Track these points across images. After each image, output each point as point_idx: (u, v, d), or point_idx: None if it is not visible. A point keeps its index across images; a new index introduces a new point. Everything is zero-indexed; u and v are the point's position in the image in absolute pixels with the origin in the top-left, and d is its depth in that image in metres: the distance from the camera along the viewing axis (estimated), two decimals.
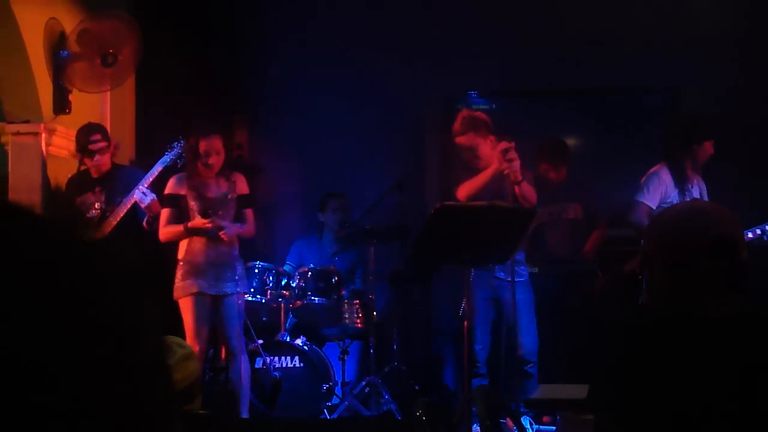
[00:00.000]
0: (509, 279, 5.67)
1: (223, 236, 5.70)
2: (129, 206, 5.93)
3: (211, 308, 5.78)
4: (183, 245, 5.84)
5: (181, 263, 5.78)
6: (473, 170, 5.81)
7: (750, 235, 5.76)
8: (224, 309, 5.77)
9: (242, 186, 5.96)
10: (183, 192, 5.82)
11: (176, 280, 5.77)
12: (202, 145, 5.76)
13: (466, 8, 7.87)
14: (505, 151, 5.54)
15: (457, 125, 5.84)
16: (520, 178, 5.55)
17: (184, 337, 5.67)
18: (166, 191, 5.88)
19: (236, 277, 5.83)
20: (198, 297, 5.70)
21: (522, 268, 5.87)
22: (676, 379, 2.24)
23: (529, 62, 7.70)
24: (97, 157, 6.08)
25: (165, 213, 5.83)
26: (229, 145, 6.00)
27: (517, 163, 5.54)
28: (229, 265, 5.80)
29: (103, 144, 6.10)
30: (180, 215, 5.81)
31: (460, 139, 5.82)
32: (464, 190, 5.70)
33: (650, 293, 2.44)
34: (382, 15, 7.93)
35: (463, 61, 7.83)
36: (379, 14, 7.94)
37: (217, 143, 5.80)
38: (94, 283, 0.68)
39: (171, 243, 5.88)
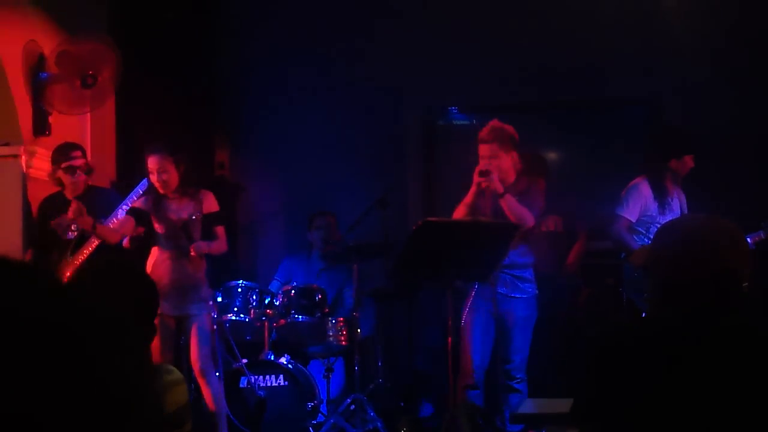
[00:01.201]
0: (512, 294, 5.68)
1: (192, 252, 5.69)
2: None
3: (176, 330, 5.77)
4: (148, 267, 5.81)
5: None
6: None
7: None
8: (190, 331, 5.74)
9: (211, 204, 5.92)
10: (148, 210, 5.84)
11: None
12: (149, 162, 5.76)
13: (444, 24, 7.90)
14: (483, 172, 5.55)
15: (484, 132, 5.78)
16: (501, 190, 5.55)
17: None
18: (133, 205, 5.85)
19: (201, 299, 5.81)
20: (161, 319, 5.56)
21: (528, 285, 5.82)
22: (663, 393, 2.24)
23: (510, 77, 7.73)
24: (78, 173, 6.05)
25: (123, 219, 5.80)
26: (210, 164, 5.98)
27: (494, 176, 5.55)
28: (194, 287, 5.78)
29: (82, 161, 6.07)
30: (146, 227, 5.82)
31: (483, 148, 5.75)
32: (457, 215, 5.69)
33: (649, 301, 2.48)
34: (362, 32, 7.96)
35: (444, 76, 7.85)
36: (358, 32, 7.96)
37: (164, 162, 5.75)
38: (64, 331, 0.68)
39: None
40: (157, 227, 5.80)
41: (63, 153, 6.06)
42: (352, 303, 6.93)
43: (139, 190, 5.83)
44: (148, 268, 5.78)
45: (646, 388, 2.26)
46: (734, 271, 2.32)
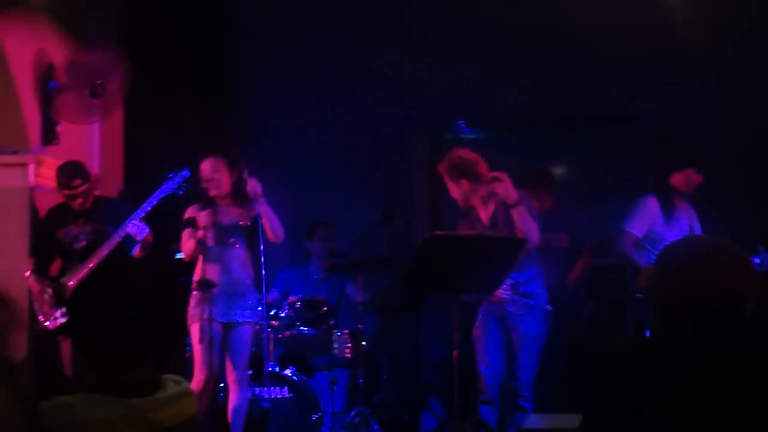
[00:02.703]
0: (520, 311, 5.65)
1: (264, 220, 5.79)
2: (121, 238, 5.93)
3: (221, 336, 5.79)
4: (198, 272, 5.86)
5: (195, 291, 5.79)
6: (467, 212, 5.79)
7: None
8: (233, 338, 5.80)
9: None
10: (198, 217, 5.87)
11: (189, 307, 5.77)
12: (202, 168, 5.86)
13: (453, 39, 7.91)
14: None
15: (439, 166, 5.78)
16: (514, 197, 5.50)
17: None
18: (186, 216, 5.93)
19: (248, 306, 5.86)
20: (208, 323, 5.68)
21: (535, 300, 5.73)
22: (669, 412, 2.24)
23: (518, 92, 7.73)
24: (79, 200, 6.09)
25: (185, 234, 5.88)
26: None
27: (508, 183, 5.50)
28: (242, 294, 5.85)
29: (84, 187, 6.08)
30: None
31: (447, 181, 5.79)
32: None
33: (653, 322, 2.47)
34: (370, 44, 7.96)
35: (452, 90, 7.86)
36: (366, 44, 7.97)
37: (217, 164, 5.87)
38: None
39: (190, 263, 5.96)
40: (207, 234, 5.82)
41: (64, 180, 6.07)
42: (364, 297, 6.84)
43: (162, 193, 5.87)
44: (197, 275, 5.83)
45: (650, 407, 2.26)
46: (735, 291, 2.32)
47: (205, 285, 5.63)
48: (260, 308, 6.11)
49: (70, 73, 6.34)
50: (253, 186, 5.79)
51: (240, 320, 5.81)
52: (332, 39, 8.05)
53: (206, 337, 5.64)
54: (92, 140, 7.01)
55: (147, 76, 6.72)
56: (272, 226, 5.86)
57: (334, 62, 8.01)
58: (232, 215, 5.90)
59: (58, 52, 6.53)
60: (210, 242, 5.83)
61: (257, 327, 5.98)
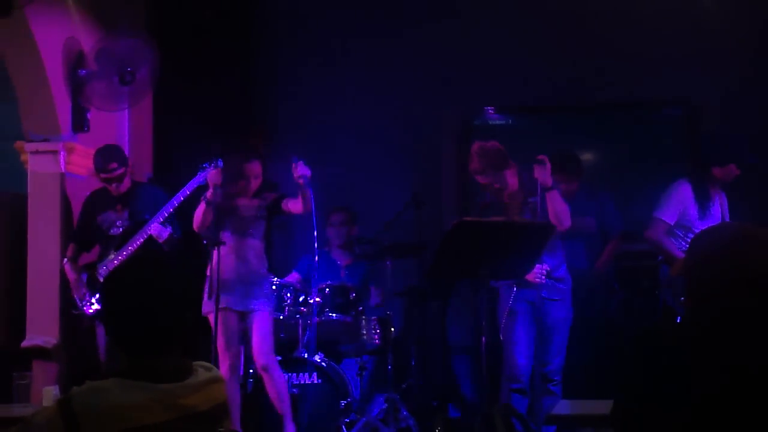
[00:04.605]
0: (551, 297, 5.64)
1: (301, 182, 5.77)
2: (148, 234, 5.98)
3: (239, 324, 5.82)
4: (214, 263, 5.87)
5: (210, 279, 5.82)
6: (494, 205, 5.75)
7: None
8: (252, 326, 5.82)
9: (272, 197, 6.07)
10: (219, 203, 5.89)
11: (204, 296, 5.81)
12: (252, 167, 5.94)
13: (482, 25, 7.88)
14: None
15: (473, 164, 5.73)
16: (549, 182, 5.49)
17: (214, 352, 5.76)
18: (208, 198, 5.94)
19: (264, 295, 5.89)
20: (224, 312, 5.73)
21: (564, 284, 5.76)
22: (701, 398, 2.23)
23: (547, 78, 7.69)
24: (114, 184, 6.14)
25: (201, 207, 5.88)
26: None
27: (547, 167, 5.49)
28: (257, 283, 5.88)
29: (121, 171, 6.14)
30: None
31: (481, 178, 5.72)
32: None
33: (686, 307, 2.48)
34: (399, 31, 7.94)
35: (481, 77, 7.82)
36: (396, 31, 7.95)
37: (257, 168, 5.95)
38: None
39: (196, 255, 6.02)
40: (225, 222, 5.87)
41: (101, 164, 6.14)
42: (378, 301, 6.90)
43: (195, 183, 5.90)
44: (213, 264, 5.84)
45: (681, 394, 2.25)
46: (767, 277, 2.31)
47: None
48: (294, 296, 6.14)
49: (100, 61, 6.38)
50: (302, 171, 5.79)
51: (256, 308, 5.83)
52: (361, 24, 8.04)
53: (226, 325, 5.71)
54: (122, 128, 7.05)
55: (176, 62, 6.75)
56: (307, 201, 5.88)
57: (363, 48, 8.00)
58: (250, 207, 5.94)
59: (87, 40, 6.57)
60: (228, 231, 5.86)
61: (274, 314, 6.02)
